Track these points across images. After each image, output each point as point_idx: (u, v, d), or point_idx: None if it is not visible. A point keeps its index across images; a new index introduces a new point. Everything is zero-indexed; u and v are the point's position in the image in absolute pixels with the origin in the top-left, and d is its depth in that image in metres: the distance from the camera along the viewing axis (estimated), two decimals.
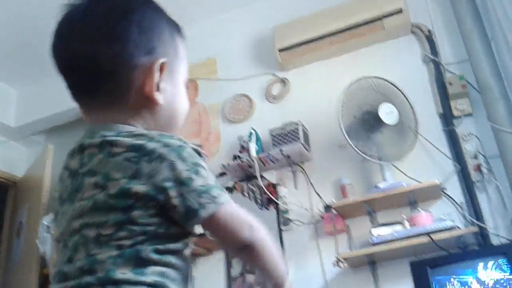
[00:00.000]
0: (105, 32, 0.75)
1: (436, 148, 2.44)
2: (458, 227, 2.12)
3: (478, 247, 2.16)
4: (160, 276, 0.68)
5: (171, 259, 0.70)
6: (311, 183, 2.60)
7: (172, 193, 0.68)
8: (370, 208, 2.38)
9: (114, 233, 0.67)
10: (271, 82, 2.97)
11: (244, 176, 2.76)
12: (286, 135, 2.64)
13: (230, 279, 2.58)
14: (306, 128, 2.67)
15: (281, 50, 2.86)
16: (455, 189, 2.33)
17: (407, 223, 2.18)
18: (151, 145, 0.69)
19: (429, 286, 1.92)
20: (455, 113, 2.47)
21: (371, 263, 2.31)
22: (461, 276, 1.91)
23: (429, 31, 2.68)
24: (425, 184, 2.26)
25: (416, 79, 2.63)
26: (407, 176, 2.39)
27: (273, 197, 2.65)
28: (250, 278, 2.55)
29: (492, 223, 2.20)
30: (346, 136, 2.29)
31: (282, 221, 2.60)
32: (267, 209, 2.68)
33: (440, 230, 2.09)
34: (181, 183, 0.68)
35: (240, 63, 3.07)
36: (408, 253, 2.19)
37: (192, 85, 3.12)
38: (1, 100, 3.74)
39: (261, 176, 2.68)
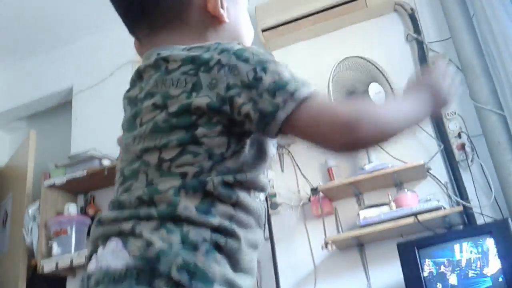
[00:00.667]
0: None
1: (420, 127, 2.44)
2: (444, 207, 2.15)
3: (463, 227, 2.20)
4: (228, 219, 0.59)
5: (243, 196, 0.61)
6: (298, 166, 2.60)
7: (240, 100, 0.59)
8: (357, 190, 2.40)
9: (177, 156, 0.60)
10: None
11: None
12: None
13: None
14: None
15: (264, 30, 2.82)
16: (439, 169, 2.36)
17: (393, 204, 2.21)
18: (207, 54, 0.63)
19: (417, 267, 1.96)
20: None
21: (359, 245, 2.34)
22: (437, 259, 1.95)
23: (411, 9, 2.66)
24: (410, 165, 2.27)
25: (400, 58, 2.62)
26: (393, 157, 2.40)
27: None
28: None
29: (477, 202, 2.23)
30: None
31: (270, 204, 2.60)
32: None
33: (426, 211, 2.11)
34: (248, 86, 0.59)
35: None
36: (395, 234, 2.22)
37: None
38: None
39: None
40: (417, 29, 2.62)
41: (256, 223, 0.64)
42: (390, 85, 2.40)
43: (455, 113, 2.42)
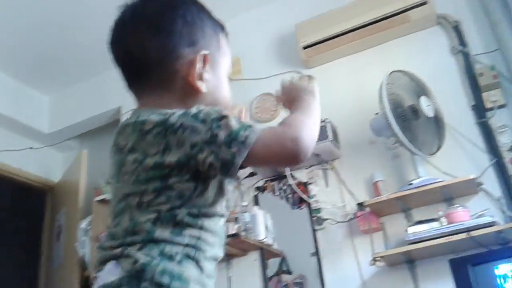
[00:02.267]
0: (152, 25, 0.85)
1: (470, 141, 2.40)
2: (498, 223, 2.09)
3: None
4: (196, 239, 0.76)
5: (206, 222, 0.77)
6: (343, 181, 2.59)
7: (203, 155, 0.73)
8: (405, 205, 2.36)
9: (153, 199, 0.75)
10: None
11: (274, 176, 2.77)
12: None
13: (266, 279, 2.61)
14: (334, 125, 2.66)
15: (305, 48, 2.85)
16: (492, 183, 2.29)
17: (444, 219, 2.16)
18: (172, 118, 0.76)
19: (470, 284, 1.91)
20: (488, 104, 2.42)
21: (408, 261, 2.29)
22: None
23: (455, 21, 2.62)
24: (460, 179, 2.22)
25: (445, 71, 2.59)
26: (441, 171, 2.36)
27: (304, 196, 2.66)
28: (286, 278, 2.57)
29: None
30: (398, 132, 2.19)
31: (315, 220, 2.60)
32: (299, 208, 2.69)
33: (479, 227, 2.06)
34: (208, 142, 0.73)
35: (264, 62, 3.07)
36: (447, 250, 2.17)
37: None
38: (34, 107, 3.84)
39: (291, 175, 2.69)
40: (461, 41, 2.58)
41: (218, 242, 0.81)
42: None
43: (505, 127, 2.36)
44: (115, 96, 3.60)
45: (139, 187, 0.77)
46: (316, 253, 2.54)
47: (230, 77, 0.94)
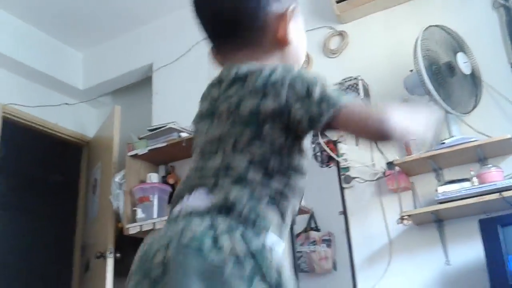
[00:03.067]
0: None
1: (507, 100, 2.30)
2: None
3: None
4: (282, 188, 0.82)
5: (293, 175, 0.84)
6: None
7: (295, 107, 0.79)
8: (436, 165, 2.32)
9: (248, 143, 0.81)
10: (328, 35, 2.89)
11: None
12: (345, 90, 2.59)
13: (293, 235, 2.64)
14: (366, 83, 2.60)
15: (338, 2, 2.76)
16: None
17: (476, 179, 2.12)
18: (274, 74, 0.83)
19: (499, 245, 1.88)
20: None
21: (437, 220, 2.28)
22: None
23: None
24: (495, 139, 2.16)
25: (485, 26, 2.47)
26: (476, 130, 2.29)
27: (333, 154, 2.64)
28: (313, 235, 2.61)
29: None
30: (432, 90, 2.12)
31: (344, 178, 2.60)
32: (328, 166, 2.68)
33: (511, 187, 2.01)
34: (302, 98, 0.79)
35: None
36: (477, 210, 2.14)
37: None
38: (69, 64, 3.92)
39: (321, 133, 2.67)
40: None
41: (298, 197, 0.86)
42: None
43: None
44: (147, 52, 3.63)
45: (235, 129, 0.82)
46: (344, 211, 2.55)
47: None
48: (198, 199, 0.80)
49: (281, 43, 0.91)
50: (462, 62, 2.23)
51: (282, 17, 0.91)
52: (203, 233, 0.73)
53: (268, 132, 0.81)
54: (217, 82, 0.90)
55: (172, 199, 0.88)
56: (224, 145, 0.83)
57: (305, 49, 0.98)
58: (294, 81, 0.81)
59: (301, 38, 0.96)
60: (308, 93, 0.79)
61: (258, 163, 0.81)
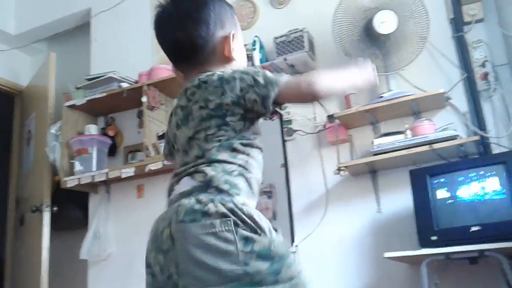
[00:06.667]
0: (193, 19, 1.13)
1: (444, 56, 2.37)
2: (460, 136, 2.13)
3: (478, 156, 2.19)
4: (245, 162, 1.04)
5: (251, 151, 1.06)
6: None
7: (249, 94, 1.03)
8: (374, 118, 2.38)
9: (216, 132, 1.04)
10: None
11: None
12: (290, 43, 2.56)
13: None
14: (311, 36, 2.59)
15: None
16: (460, 98, 2.31)
17: (409, 132, 2.19)
18: (226, 74, 1.07)
19: (427, 193, 1.98)
20: (466, 18, 2.36)
21: (372, 171, 2.36)
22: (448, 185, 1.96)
23: None
24: (429, 93, 2.23)
25: None
26: (413, 85, 2.35)
27: (276, 107, 2.64)
28: None
29: (495, 132, 2.20)
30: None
31: (286, 131, 2.62)
32: (271, 119, 2.67)
33: (441, 140, 2.10)
34: (251, 85, 1.03)
35: None
36: (409, 162, 2.23)
37: None
38: (0, 7, 3.63)
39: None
40: None
41: (259, 168, 1.08)
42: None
43: (481, 41, 2.32)
44: None
45: (204, 124, 1.05)
46: (285, 164, 2.58)
47: None
48: (184, 185, 1.03)
49: (227, 60, 1.15)
50: (384, 21, 2.23)
51: (226, 40, 1.15)
52: (192, 206, 0.95)
53: (230, 120, 1.04)
54: (184, 92, 1.12)
55: (167, 191, 1.09)
56: (197, 140, 1.05)
57: (245, 62, 1.23)
58: (241, 76, 1.05)
59: (242, 54, 1.21)
60: (255, 80, 1.03)
61: (225, 146, 1.03)
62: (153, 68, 2.87)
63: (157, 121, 2.84)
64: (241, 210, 0.95)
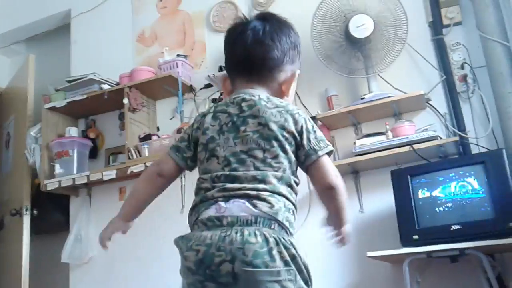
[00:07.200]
0: (275, 42, 1.18)
1: (423, 58, 2.41)
2: (440, 137, 2.17)
3: (458, 157, 2.23)
4: (295, 201, 1.09)
5: (297, 190, 1.11)
6: (297, 94, 2.59)
7: (304, 135, 1.09)
8: (355, 119, 2.41)
9: (275, 157, 1.06)
10: None
11: None
12: None
13: None
14: None
15: None
16: (439, 100, 2.35)
17: (390, 133, 2.22)
18: (291, 107, 1.14)
19: (408, 193, 2.01)
20: (445, 21, 2.41)
21: (354, 172, 2.38)
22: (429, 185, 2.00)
23: None
24: (409, 95, 2.26)
25: None
26: (393, 87, 2.39)
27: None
28: None
29: (474, 133, 2.25)
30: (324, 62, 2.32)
31: None
32: None
33: (422, 140, 2.14)
34: (309, 131, 1.10)
35: None
36: (390, 162, 2.26)
37: None
38: None
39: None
40: None
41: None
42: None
43: (459, 44, 2.37)
44: None
45: (263, 144, 1.07)
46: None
47: None
48: (240, 209, 1.03)
49: (281, 92, 1.19)
50: (362, 24, 2.27)
51: (291, 77, 1.20)
52: (260, 248, 0.98)
53: (287, 150, 1.07)
54: (237, 102, 1.14)
55: (199, 199, 1.09)
56: (253, 158, 1.07)
57: (292, 100, 1.26)
58: (305, 118, 1.11)
59: (292, 93, 1.24)
60: (314, 130, 1.11)
61: (285, 180, 1.06)
62: (134, 69, 2.85)
63: (139, 123, 2.82)
64: (300, 257, 1.02)
